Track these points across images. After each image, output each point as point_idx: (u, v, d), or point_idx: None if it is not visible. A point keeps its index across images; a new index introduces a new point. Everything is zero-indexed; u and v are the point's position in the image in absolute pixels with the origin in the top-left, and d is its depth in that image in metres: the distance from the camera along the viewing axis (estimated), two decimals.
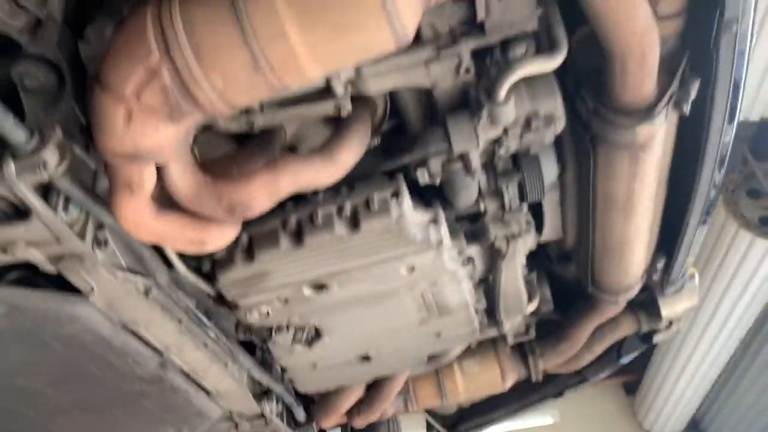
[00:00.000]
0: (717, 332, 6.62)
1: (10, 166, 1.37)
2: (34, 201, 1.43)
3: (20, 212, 1.49)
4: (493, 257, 2.19)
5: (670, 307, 2.81)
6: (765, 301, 6.17)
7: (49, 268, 1.63)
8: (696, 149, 1.90)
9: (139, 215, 1.48)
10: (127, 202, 1.45)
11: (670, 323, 2.97)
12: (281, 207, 1.77)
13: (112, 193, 1.46)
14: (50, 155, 1.39)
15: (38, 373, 2.00)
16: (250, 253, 1.83)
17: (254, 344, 2.40)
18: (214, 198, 1.51)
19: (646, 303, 2.83)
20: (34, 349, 1.87)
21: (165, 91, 1.27)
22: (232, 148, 1.77)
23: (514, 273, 2.25)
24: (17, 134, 1.35)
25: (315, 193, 1.84)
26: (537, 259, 2.60)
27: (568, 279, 2.85)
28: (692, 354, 7.04)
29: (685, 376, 7.44)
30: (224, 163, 1.64)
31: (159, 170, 1.45)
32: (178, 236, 1.57)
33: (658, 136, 1.79)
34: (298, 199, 1.82)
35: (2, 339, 1.81)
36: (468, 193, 1.90)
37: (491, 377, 3.03)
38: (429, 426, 3.65)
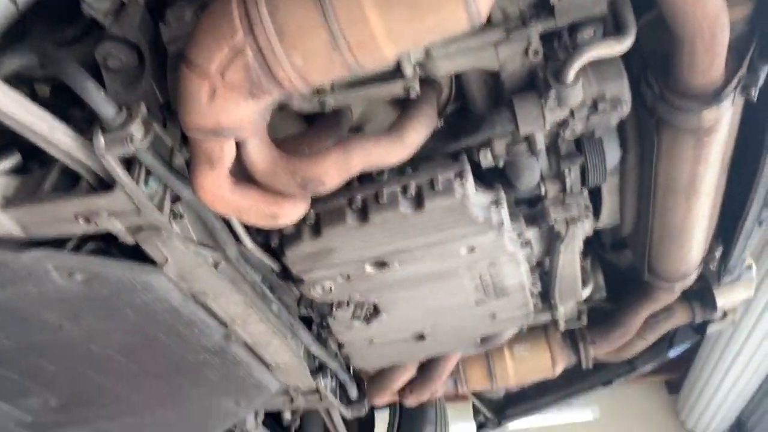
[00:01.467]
0: (766, 331, 6.46)
1: (100, 139, 1.45)
2: (120, 173, 1.50)
3: (104, 184, 1.57)
4: (552, 240, 2.20)
5: (725, 297, 2.79)
6: None
7: (127, 239, 1.71)
8: (761, 132, 1.89)
9: (217, 188, 1.54)
10: (207, 175, 1.52)
11: (725, 314, 2.95)
12: (347, 186, 1.81)
13: (193, 166, 1.53)
14: (136, 129, 1.46)
15: (111, 340, 2.09)
16: (317, 230, 1.89)
17: (311, 321, 2.46)
18: (288, 173, 1.56)
19: (701, 292, 2.82)
20: (108, 316, 1.96)
21: (248, 69, 1.33)
22: (302, 128, 1.83)
23: (571, 256, 2.26)
24: (107, 109, 1.43)
25: (380, 172, 1.89)
26: (590, 246, 2.60)
27: (620, 268, 2.85)
28: (739, 352, 6.86)
29: (731, 375, 7.25)
30: (295, 141, 1.70)
31: (237, 146, 1.51)
32: (252, 210, 1.62)
33: (724, 120, 1.78)
34: (363, 179, 1.87)
35: (81, 305, 1.90)
36: (531, 174, 1.92)
37: (541, 362, 3.04)
38: (476, 410, 3.66)
